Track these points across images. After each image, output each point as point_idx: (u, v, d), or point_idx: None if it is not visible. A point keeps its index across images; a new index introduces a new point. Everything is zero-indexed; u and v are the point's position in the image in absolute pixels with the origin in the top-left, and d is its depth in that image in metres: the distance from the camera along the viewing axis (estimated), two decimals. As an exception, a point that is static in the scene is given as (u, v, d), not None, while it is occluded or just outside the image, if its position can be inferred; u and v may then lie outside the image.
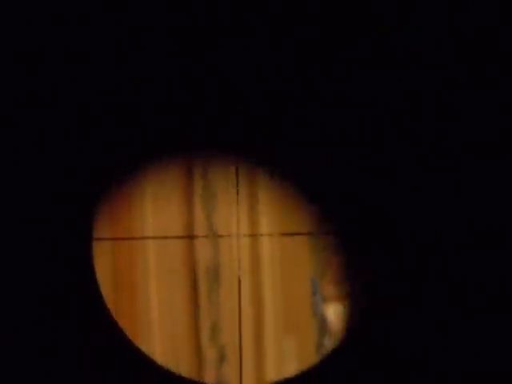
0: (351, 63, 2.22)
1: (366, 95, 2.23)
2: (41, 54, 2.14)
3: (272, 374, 2.22)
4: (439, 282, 2.19)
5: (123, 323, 2.18)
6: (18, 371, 2.10)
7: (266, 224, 2.25)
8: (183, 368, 2.20)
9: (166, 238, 2.22)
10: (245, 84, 2.22)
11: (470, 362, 2.17)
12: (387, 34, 2.20)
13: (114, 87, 2.18)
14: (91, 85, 2.16)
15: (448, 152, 2.21)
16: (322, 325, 2.23)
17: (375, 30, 2.20)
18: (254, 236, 2.24)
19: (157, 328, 2.20)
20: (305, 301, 2.23)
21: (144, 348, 2.18)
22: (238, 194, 2.25)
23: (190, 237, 2.23)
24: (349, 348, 2.20)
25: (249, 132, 2.24)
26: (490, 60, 2.20)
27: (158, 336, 2.20)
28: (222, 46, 2.20)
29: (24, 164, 2.13)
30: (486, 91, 2.21)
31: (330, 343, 2.22)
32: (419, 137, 2.22)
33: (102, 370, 2.12)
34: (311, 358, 2.22)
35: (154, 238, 2.22)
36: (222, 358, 2.21)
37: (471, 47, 2.21)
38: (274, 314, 2.23)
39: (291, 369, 2.22)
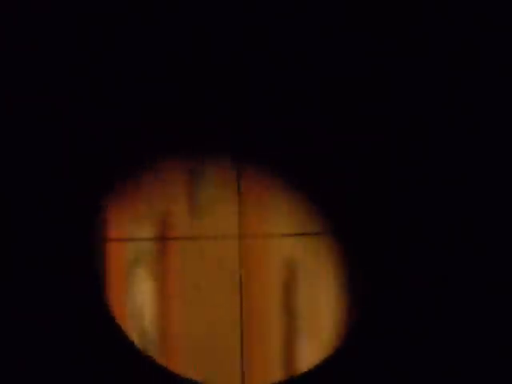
0: (350, 63, 2.22)
1: (366, 95, 2.23)
2: (42, 54, 2.15)
3: (274, 373, 2.23)
4: (439, 282, 2.19)
5: (124, 323, 2.19)
6: (20, 369, 2.11)
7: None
8: (180, 367, 2.20)
9: (167, 238, 2.23)
10: (245, 84, 2.23)
11: (470, 360, 2.18)
12: (388, 34, 2.22)
13: (115, 89, 2.19)
14: (93, 86, 2.17)
15: (447, 152, 2.22)
16: (323, 324, 2.24)
17: (375, 30, 2.21)
18: (255, 237, 2.25)
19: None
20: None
21: (145, 348, 2.19)
22: (239, 195, 2.26)
23: (193, 238, 2.23)
24: (349, 348, 2.21)
25: (250, 133, 2.25)
26: (489, 60, 2.21)
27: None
28: (222, 46, 2.21)
29: (30, 166, 2.14)
30: (485, 92, 2.22)
31: (330, 343, 2.23)
32: (419, 137, 2.23)
33: (104, 368, 2.13)
34: (312, 358, 2.23)
35: (156, 239, 2.23)
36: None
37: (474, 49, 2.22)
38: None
39: (294, 369, 2.22)
